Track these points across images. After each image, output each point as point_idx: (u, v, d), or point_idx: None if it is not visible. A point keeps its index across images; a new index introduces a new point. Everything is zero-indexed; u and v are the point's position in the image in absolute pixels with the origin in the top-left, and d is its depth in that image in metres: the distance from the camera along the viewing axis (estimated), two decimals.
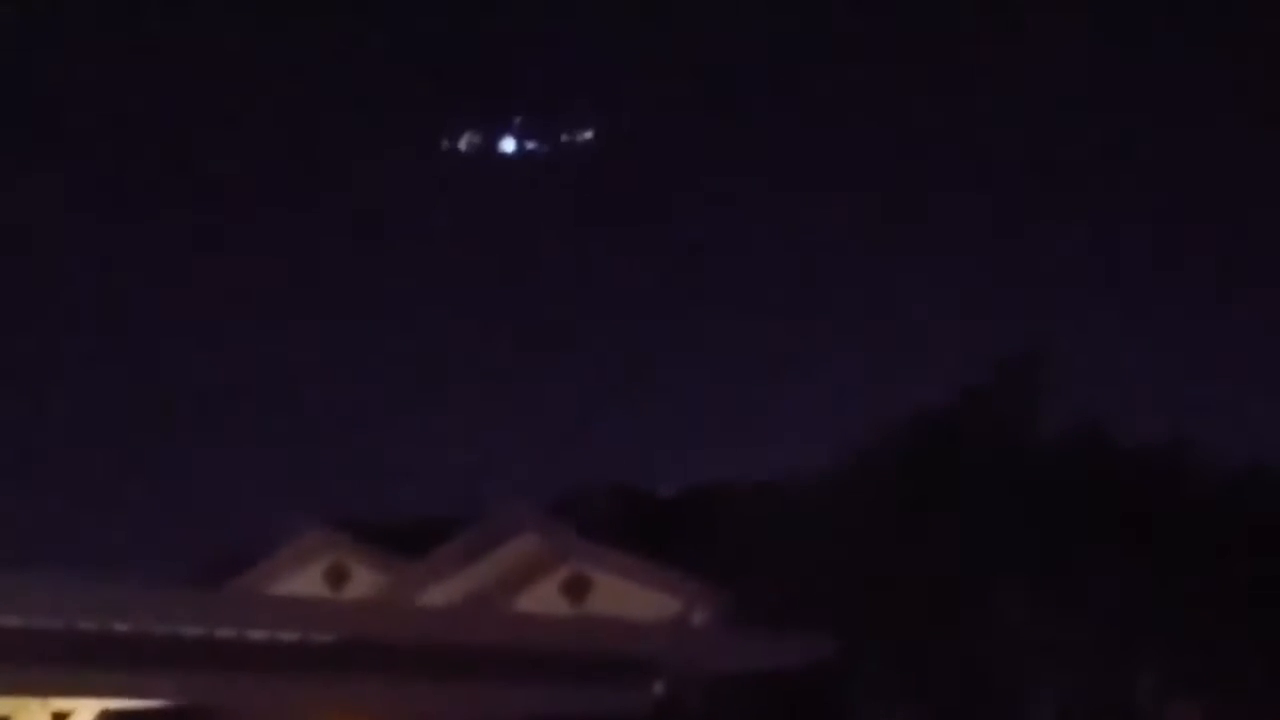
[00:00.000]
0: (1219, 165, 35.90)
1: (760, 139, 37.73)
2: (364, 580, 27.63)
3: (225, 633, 15.46)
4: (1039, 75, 37.16)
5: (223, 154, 37.75)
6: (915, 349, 32.76)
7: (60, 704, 16.05)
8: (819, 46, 36.77)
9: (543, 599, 25.43)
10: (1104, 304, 34.24)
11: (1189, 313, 33.36)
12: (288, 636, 15.84)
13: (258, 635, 15.70)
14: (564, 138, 37.16)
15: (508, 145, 37.43)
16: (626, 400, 34.27)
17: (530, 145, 37.31)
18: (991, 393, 25.98)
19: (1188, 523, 24.56)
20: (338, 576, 28.00)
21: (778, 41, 37.13)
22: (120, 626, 14.82)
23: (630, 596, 24.74)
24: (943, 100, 37.13)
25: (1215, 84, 36.24)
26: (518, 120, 37.08)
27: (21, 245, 36.68)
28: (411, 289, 37.73)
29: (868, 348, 33.70)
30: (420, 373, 35.90)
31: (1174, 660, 24.36)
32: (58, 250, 37.33)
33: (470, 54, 38.10)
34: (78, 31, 36.95)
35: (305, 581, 27.92)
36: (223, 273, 37.63)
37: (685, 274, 37.20)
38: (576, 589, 25.73)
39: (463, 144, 37.59)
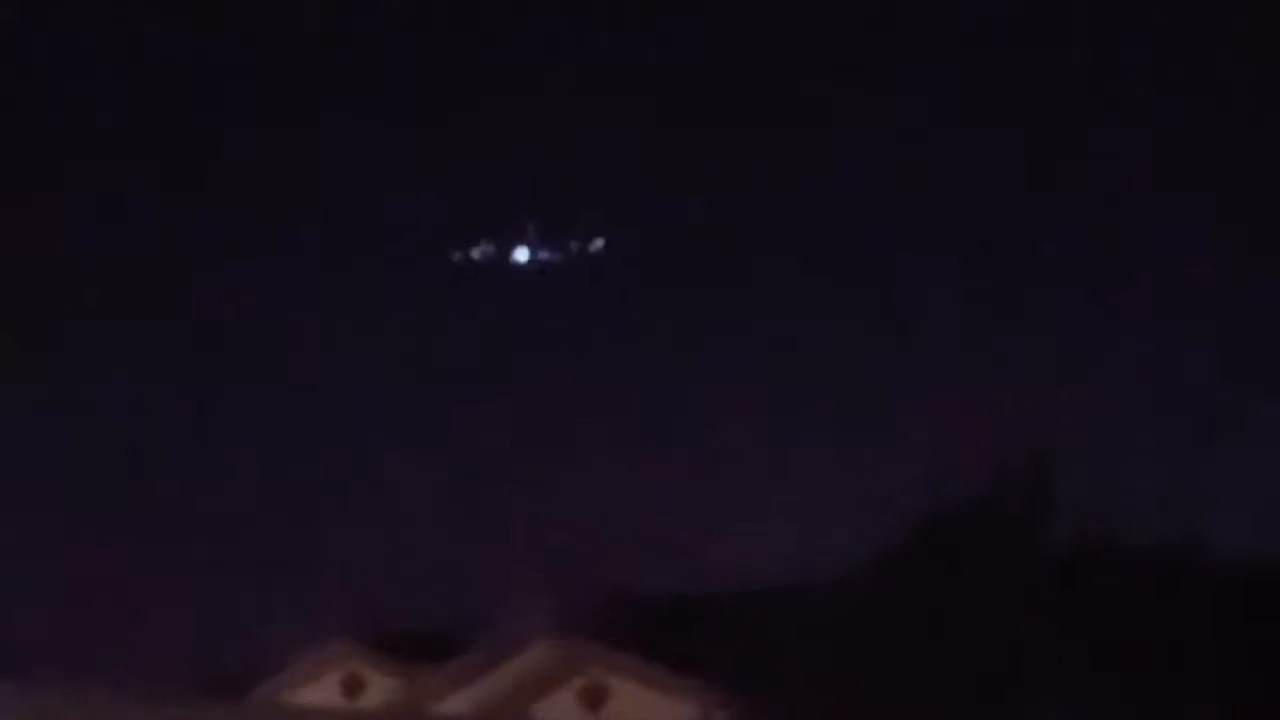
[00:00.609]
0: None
1: (764, 236, 37.81)
2: (381, 689, 27.57)
3: None
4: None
5: (230, 269, 37.85)
6: (924, 449, 32.67)
7: None
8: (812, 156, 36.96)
9: (559, 708, 25.35)
10: (1110, 400, 34.15)
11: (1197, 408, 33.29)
12: None
13: None
14: (574, 247, 37.31)
15: (521, 255, 37.55)
16: (640, 504, 34.19)
17: (543, 254, 37.43)
18: (998, 497, 25.96)
19: (1206, 626, 24.49)
20: (354, 687, 27.94)
21: (777, 148, 37.34)
22: None
23: (648, 704, 24.66)
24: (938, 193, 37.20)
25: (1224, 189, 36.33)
26: (530, 230, 37.23)
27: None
28: (419, 398, 37.73)
29: (879, 451, 33.61)
30: (432, 483, 35.85)
31: None
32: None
33: (483, 163, 38.28)
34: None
35: (322, 692, 27.86)
36: (241, 381, 37.65)
37: (700, 373, 37.17)
38: (594, 697, 25.64)
39: (476, 254, 37.71)
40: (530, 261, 37.69)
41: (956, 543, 25.60)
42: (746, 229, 37.76)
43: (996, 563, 25.37)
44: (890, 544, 25.86)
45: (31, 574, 30.89)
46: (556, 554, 32.02)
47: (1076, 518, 25.78)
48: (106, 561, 34.05)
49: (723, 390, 36.74)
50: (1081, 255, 36.71)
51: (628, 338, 37.18)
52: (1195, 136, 35.95)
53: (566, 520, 34.40)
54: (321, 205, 38.44)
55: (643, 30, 38.19)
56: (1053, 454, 26.34)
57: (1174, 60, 35.91)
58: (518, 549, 31.95)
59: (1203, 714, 23.67)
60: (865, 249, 37.17)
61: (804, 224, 37.33)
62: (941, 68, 37.05)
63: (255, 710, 22.44)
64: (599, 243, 37.86)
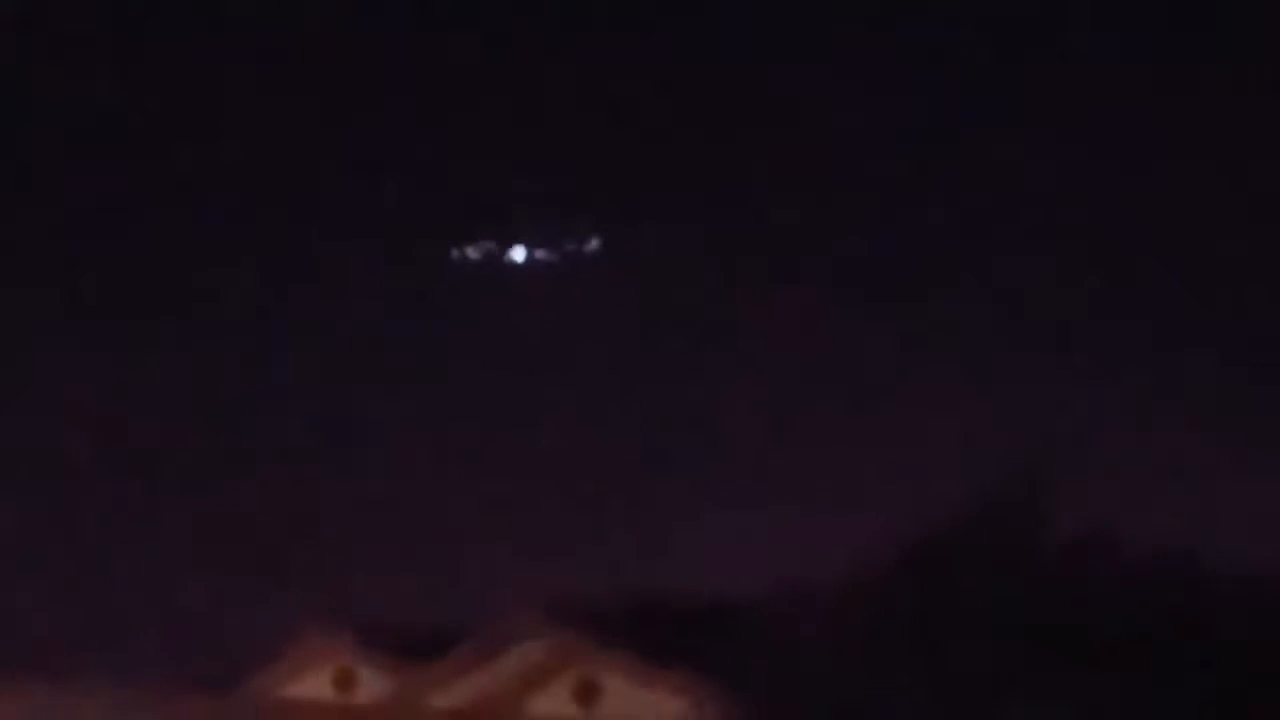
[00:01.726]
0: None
1: (760, 240, 37.78)
2: (373, 685, 27.53)
3: None
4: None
5: (223, 270, 37.81)
6: (920, 454, 32.65)
7: None
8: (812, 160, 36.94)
9: (552, 704, 25.32)
10: (1111, 404, 34.12)
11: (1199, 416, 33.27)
12: None
13: None
14: (570, 247, 37.34)
15: (517, 254, 37.57)
16: (636, 505, 34.15)
17: (539, 254, 37.45)
18: (995, 503, 25.93)
19: (1201, 631, 24.48)
20: (345, 681, 27.90)
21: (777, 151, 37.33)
22: None
23: (640, 701, 24.64)
24: (945, 196, 37.15)
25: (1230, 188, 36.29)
26: (526, 229, 37.26)
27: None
28: (414, 394, 37.69)
29: (873, 455, 33.58)
30: (427, 478, 35.81)
31: None
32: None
33: (480, 166, 38.28)
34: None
35: (314, 686, 27.82)
36: (224, 376, 37.61)
37: (690, 376, 37.13)
38: (586, 694, 25.61)
39: (474, 253, 37.73)
40: (527, 260, 37.75)
41: (953, 544, 25.59)
42: (745, 228, 37.83)
43: (992, 565, 25.36)
44: (886, 545, 25.83)
45: (21, 569, 30.87)
46: (550, 550, 32.03)
47: (1076, 518, 25.83)
48: (97, 555, 34.03)
49: (721, 388, 36.73)
50: (1081, 252, 36.84)
51: (625, 334, 37.17)
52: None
53: (562, 518, 34.45)
54: (318, 199, 38.45)
55: (642, 29, 38.25)
56: (1052, 454, 26.37)
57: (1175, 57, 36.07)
58: (511, 544, 31.97)
59: (1200, 712, 23.69)
60: (864, 245, 37.24)
61: (802, 221, 37.35)
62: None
63: (246, 704, 22.39)
64: (595, 242, 37.91)
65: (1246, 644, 24.42)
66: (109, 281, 37.73)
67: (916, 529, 25.90)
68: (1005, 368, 35.17)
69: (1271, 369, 34.16)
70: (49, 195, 36.98)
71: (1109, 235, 37.02)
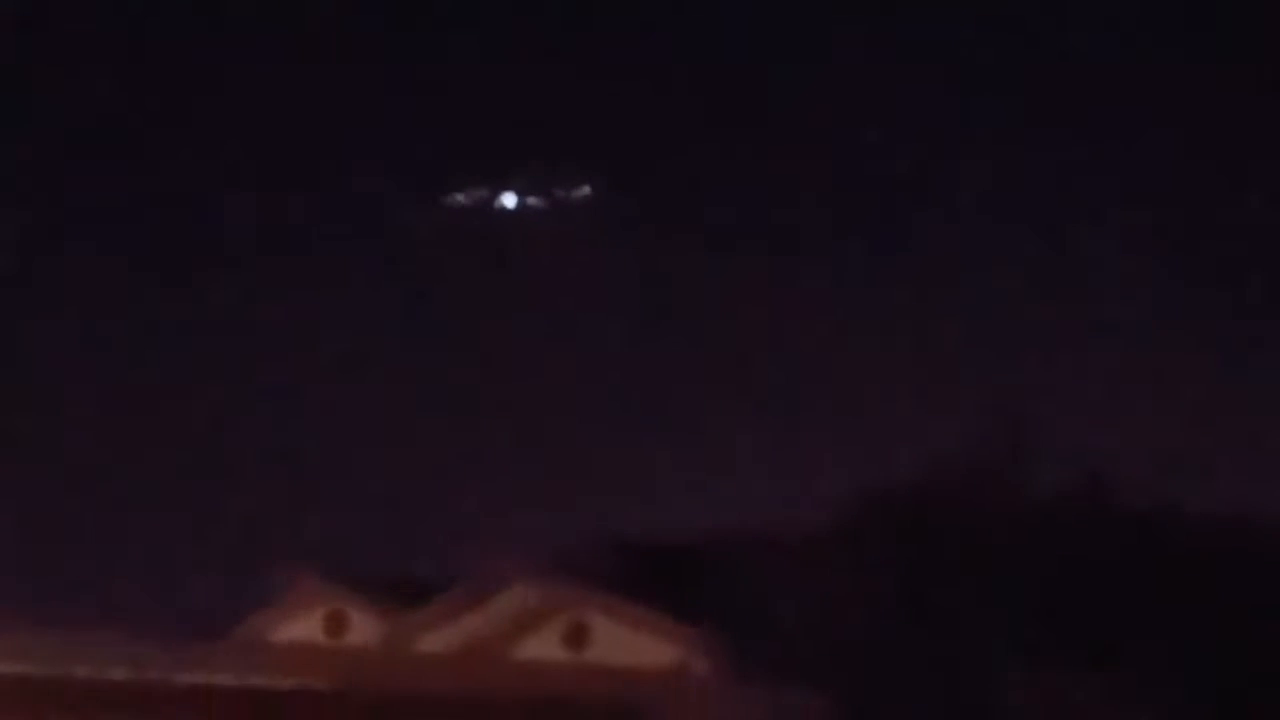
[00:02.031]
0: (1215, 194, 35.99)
1: (752, 191, 37.80)
2: (363, 629, 27.59)
3: (225, 680, 15.46)
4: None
5: (215, 204, 37.74)
6: (904, 400, 32.68)
7: None
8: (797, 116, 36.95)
9: (542, 647, 25.38)
10: (1095, 356, 34.19)
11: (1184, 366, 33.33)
12: (287, 684, 15.84)
13: (257, 683, 15.69)
14: (560, 193, 37.29)
15: (509, 200, 37.50)
16: (625, 449, 34.16)
17: (531, 200, 37.39)
18: (979, 445, 25.99)
19: (1179, 575, 24.58)
20: (337, 625, 27.96)
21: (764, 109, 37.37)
22: (118, 675, 14.81)
23: (630, 644, 24.70)
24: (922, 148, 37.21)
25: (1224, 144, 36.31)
26: (518, 176, 37.18)
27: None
28: (406, 340, 37.69)
29: (859, 402, 33.62)
30: (418, 423, 35.82)
31: (1170, 715, 24.31)
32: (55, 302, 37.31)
33: (468, 111, 38.22)
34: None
35: (304, 630, 27.88)
36: (220, 321, 37.58)
37: (681, 324, 37.12)
38: (576, 637, 25.68)
39: (465, 198, 37.66)
40: (519, 207, 37.71)
41: (938, 490, 25.66)
42: (734, 180, 37.86)
43: (977, 510, 25.45)
44: (872, 491, 25.91)
45: (16, 517, 30.90)
46: (541, 496, 32.06)
47: (1059, 467, 25.92)
48: (87, 501, 34.06)
49: (708, 337, 36.76)
50: (1056, 220, 36.92)
51: (614, 281, 37.16)
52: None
53: (552, 463, 34.47)
54: (308, 148, 38.40)
55: None
56: (1035, 417, 26.43)
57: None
58: (500, 490, 32.00)
59: (1187, 659, 23.82)
60: (852, 201, 37.28)
61: (787, 185, 37.39)
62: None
63: (237, 648, 22.45)
64: (585, 190, 37.89)
65: (1232, 591, 24.53)
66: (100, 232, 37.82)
67: (903, 475, 25.99)
68: (989, 320, 35.26)
69: (1253, 319, 34.28)
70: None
71: (1095, 192, 37.17)
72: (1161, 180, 35.92)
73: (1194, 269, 35.27)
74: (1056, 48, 36.98)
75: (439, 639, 26.01)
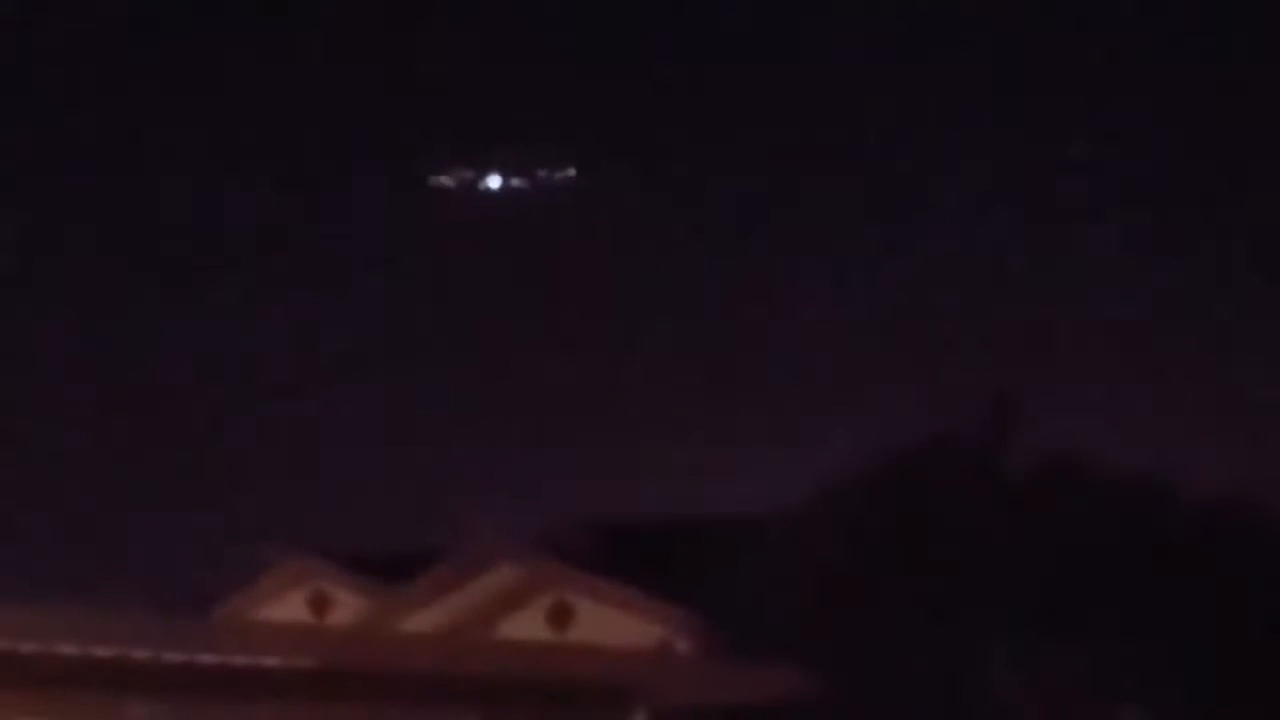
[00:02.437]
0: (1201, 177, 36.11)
1: (736, 175, 37.92)
2: (347, 607, 27.63)
3: (208, 659, 15.43)
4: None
5: (204, 189, 37.81)
6: (890, 382, 32.77)
7: None
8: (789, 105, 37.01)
9: (526, 627, 25.42)
10: (1078, 335, 34.27)
11: (1166, 344, 33.41)
12: (270, 663, 15.81)
13: (240, 661, 15.67)
14: (542, 174, 37.39)
15: (493, 181, 37.59)
16: (606, 430, 34.25)
17: (515, 182, 37.49)
18: (965, 426, 26.01)
19: (1166, 556, 24.62)
20: (321, 604, 28.00)
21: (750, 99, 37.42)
22: (101, 652, 14.79)
23: (614, 624, 24.75)
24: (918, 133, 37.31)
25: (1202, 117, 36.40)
26: (501, 157, 37.29)
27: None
28: (390, 321, 37.76)
29: (844, 382, 33.71)
30: (400, 402, 35.90)
31: (1156, 695, 24.39)
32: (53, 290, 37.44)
33: (454, 94, 38.29)
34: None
35: (288, 609, 27.92)
36: (206, 305, 37.65)
37: (662, 306, 37.23)
38: (559, 617, 25.73)
39: (449, 180, 37.75)
40: (502, 188, 37.79)
41: (924, 470, 25.69)
42: (717, 163, 37.94)
43: (962, 491, 25.49)
44: (857, 472, 25.94)
45: None
46: (525, 477, 32.11)
47: (1043, 445, 25.97)
48: (71, 480, 34.08)
49: (692, 316, 36.85)
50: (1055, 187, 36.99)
51: (596, 261, 37.26)
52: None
53: (536, 444, 34.54)
54: (307, 129, 38.50)
55: None
56: (1017, 389, 26.47)
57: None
58: (485, 469, 32.03)
59: (1167, 636, 23.89)
60: (835, 181, 37.33)
61: (776, 155, 37.44)
62: None
63: (221, 626, 22.44)
64: (570, 171, 37.98)
65: (1213, 569, 24.59)
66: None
67: (888, 456, 26.01)
68: (974, 299, 35.34)
69: (1238, 299, 34.39)
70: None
71: (1084, 175, 37.28)
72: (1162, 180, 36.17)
73: (1188, 262, 35.48)
74: (1056, 48, 37.17)
75: (423, 618, 26.06)
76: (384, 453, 34.67)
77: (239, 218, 37.67)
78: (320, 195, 37.95)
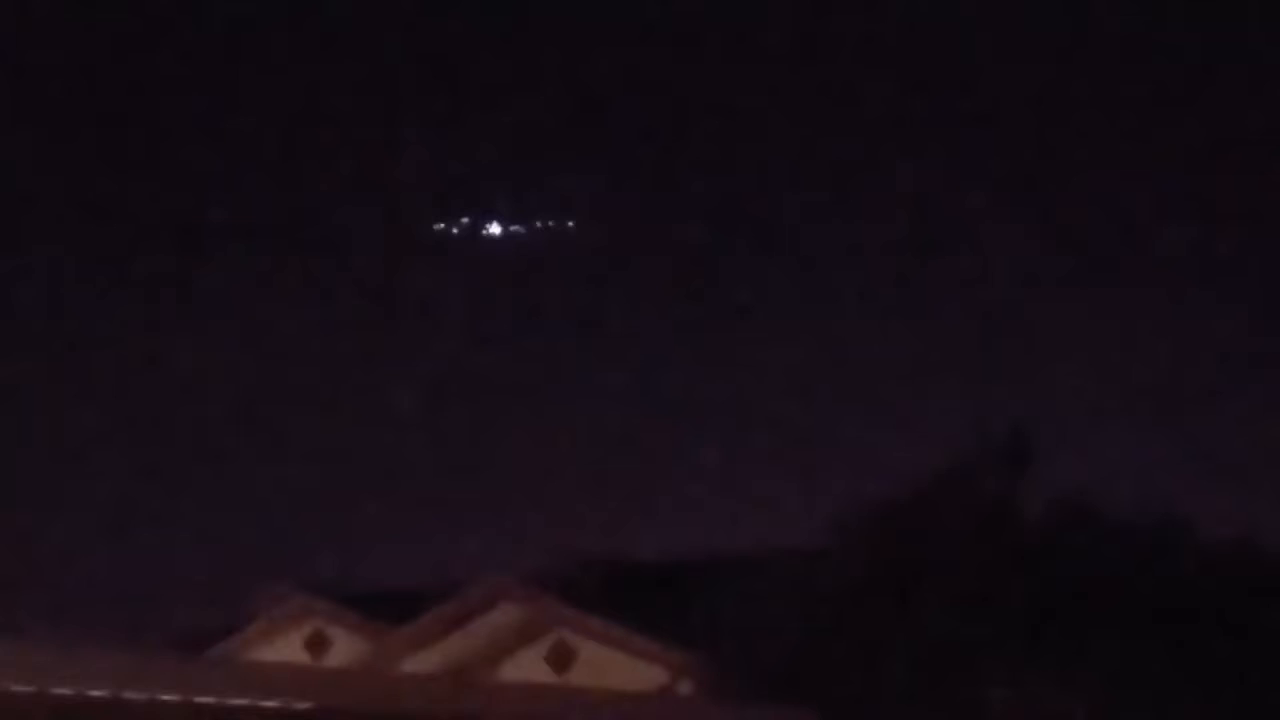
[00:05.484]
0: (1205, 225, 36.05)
1: (738, 216, 37.96)
2: (345, 648, 27.46)
3: (205, 700, 15.28)
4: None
5: (210, 233, 37.83)
6: (899, 424, 32.68)
7: None
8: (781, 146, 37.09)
9: (526, 668, 25.28)
10: (1090, 381, 34.17)
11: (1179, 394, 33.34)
12: (269, 704, 15.66)
13: (238, 702, 15.52)
14: (540, 224, 37.58)
15: (494, 229, 37.75)
16: (611, 470, 34.19)
17: (515, 229, 37.67)
18: (975, 468, 25.84)
19: (1173, 600, 24.50)
20: (319, 644, 27.82)
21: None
22: (97, 693, 14.63)
23: (616, 666, 24.61)
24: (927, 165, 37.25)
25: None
26: (503, 206, 37.50)
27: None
28: (389, 360, 37.76)
29: (852, 422, 33.64)
30: (400, 441, 35.83)
31: None
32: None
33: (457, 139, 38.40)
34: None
35: (286, 649, 27.75)
36: (205, 339, 37.57)
37: (666, 346, 37.24)
38: (560, 658, 25.57)
39: (454, 228, 37.93)
40: (503, 234, 37.93)
41: (929, 510, 25.53)
42: (719, 206, 37.98)
43: (968, 530, 25.32)
44: (861, 511, 25.78)
45: None
46: (526, 516, 31.98)
47: (1053, 484, 25.80)
48: (66, 515, 33.99)
49: (693, 359, 36.85)
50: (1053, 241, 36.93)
51: (597, 308, 37.35)
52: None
53: (537, 483, 34.44)
54: (298, 174, 38.55)
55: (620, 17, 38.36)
56: (1032, 427, 26.29)
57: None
58: (485, 510, 31.90)
59: (1178, 676, 23.74)
60: (841, 219, 37.30)
61: (778, 200, 37.53)
62: None
63: (219, 666, 22.25)
64: (570, 223, 38.13)
65: (1224, 609, 24.46)
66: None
67: (893, 495, 25.85)
68: (984, 336, 35.27)
69: (1242, 337, 34.32)
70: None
71: (1086, 218, 37.23)
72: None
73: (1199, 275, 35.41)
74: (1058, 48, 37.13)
75: (422, 659, 25.91)
76: (383, 491, 34.58)
77: (231, 268, 37.70)
78: (319, 241, 38.03)
